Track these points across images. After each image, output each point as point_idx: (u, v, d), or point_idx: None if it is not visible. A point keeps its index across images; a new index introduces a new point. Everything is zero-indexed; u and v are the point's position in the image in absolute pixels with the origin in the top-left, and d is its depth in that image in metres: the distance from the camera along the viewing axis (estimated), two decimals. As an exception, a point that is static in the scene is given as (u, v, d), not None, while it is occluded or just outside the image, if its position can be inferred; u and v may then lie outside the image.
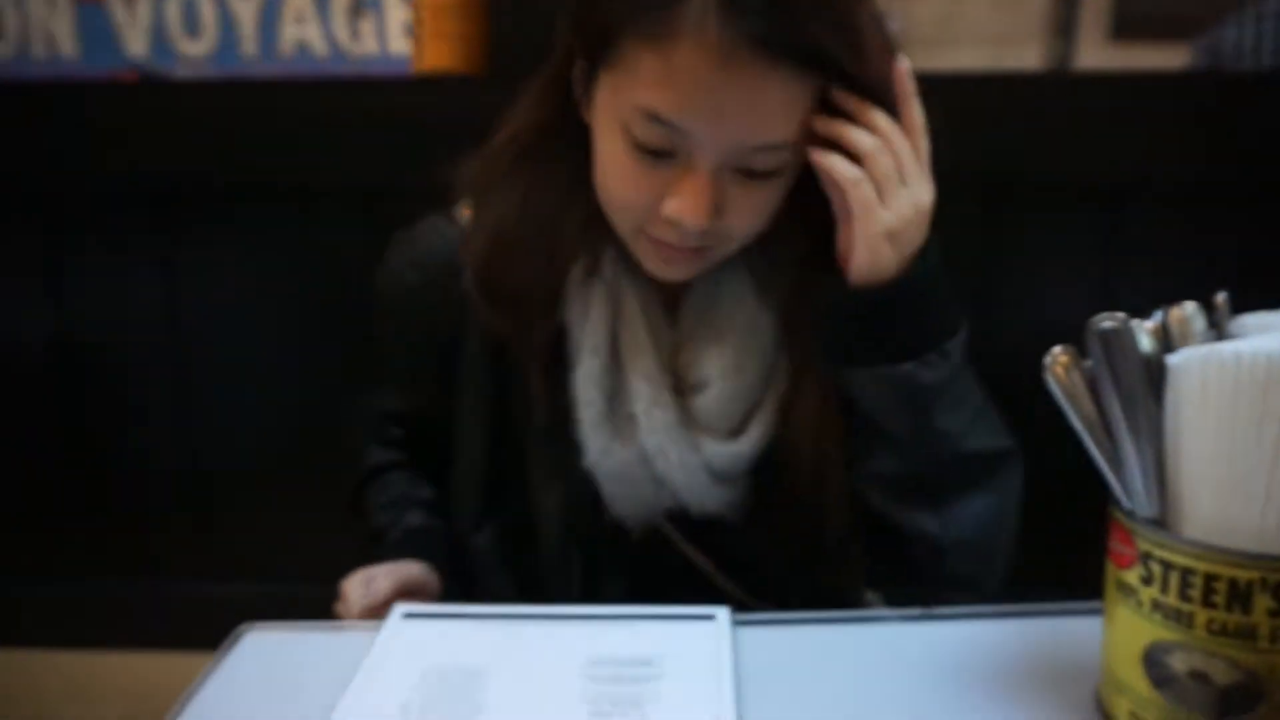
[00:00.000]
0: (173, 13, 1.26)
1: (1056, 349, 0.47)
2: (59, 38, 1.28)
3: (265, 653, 0.59)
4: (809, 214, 0.61)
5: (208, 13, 1.26)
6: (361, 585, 0.65)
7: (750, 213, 0.60)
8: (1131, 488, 0.45)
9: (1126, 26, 2.01)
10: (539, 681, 0.53)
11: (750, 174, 0.58)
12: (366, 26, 1.26)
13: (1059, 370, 0.46)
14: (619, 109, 0.58)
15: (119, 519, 1.38)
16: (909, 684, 0.52)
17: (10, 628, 1.37)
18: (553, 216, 0.65)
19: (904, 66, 0.59)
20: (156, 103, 1.26)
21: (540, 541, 0.70)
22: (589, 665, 0.54)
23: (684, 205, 0.58)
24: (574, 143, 0.63)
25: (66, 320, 1.31)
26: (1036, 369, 0.47)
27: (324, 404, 1.10)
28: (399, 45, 1.26)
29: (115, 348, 1.32)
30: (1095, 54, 2.01)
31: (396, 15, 1.26)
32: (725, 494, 0.68)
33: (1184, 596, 0.43)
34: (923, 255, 0.59)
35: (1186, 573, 0.43)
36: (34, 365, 1.32)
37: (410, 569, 0.68)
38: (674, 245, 0.61)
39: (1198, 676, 0.43)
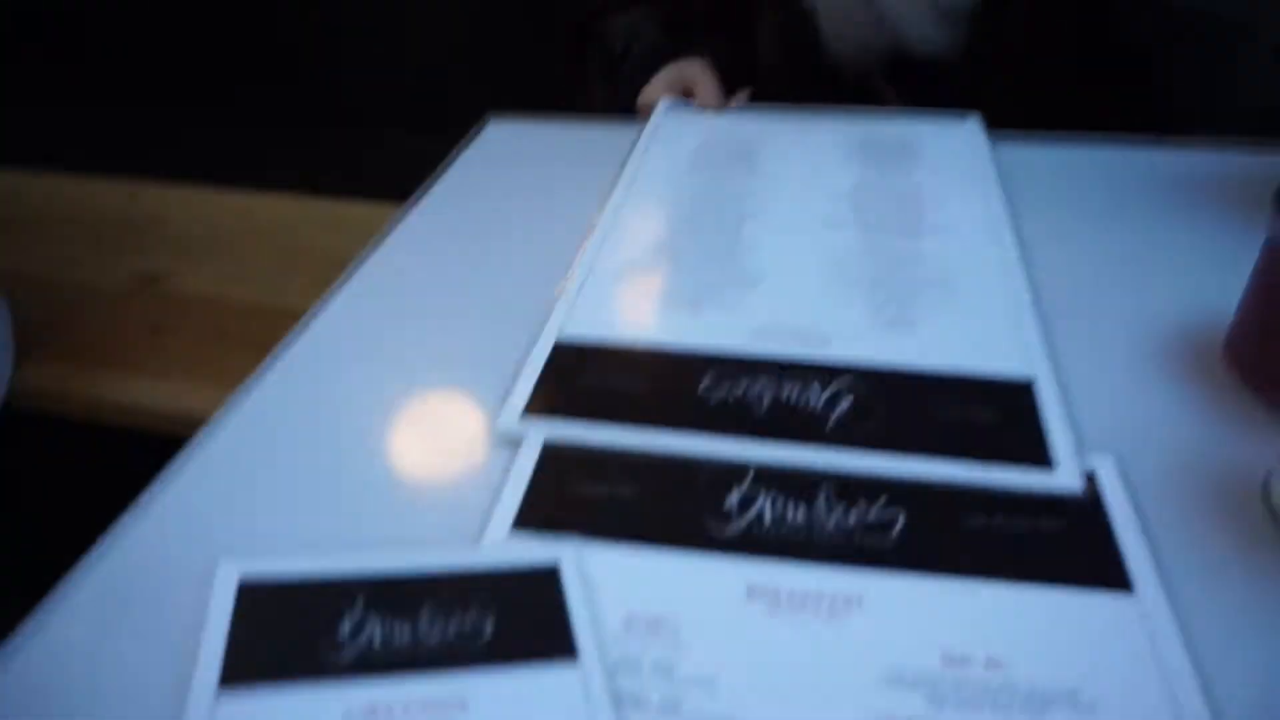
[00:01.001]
0: None
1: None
2: None
3: (509, 140, 0.65)
4: None
5: None
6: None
7: None
8: None
9: None
10: (811, 153, 0.58)
11: None
12: None
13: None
14: None
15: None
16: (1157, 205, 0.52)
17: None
18: None
19: None
20: None
21: (757, 84, 0.67)
22: (858, 147, 0.58)
23: None
24: None
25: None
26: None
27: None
28: None
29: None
30: None
31: None
32: (948, 33, 0.65)
33: None
34: None
35: None
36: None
37: (684, 66, 0.66)
38: None
39: None
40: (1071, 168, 0.56)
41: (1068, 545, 0.33)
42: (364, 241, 0.54)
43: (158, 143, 1.37)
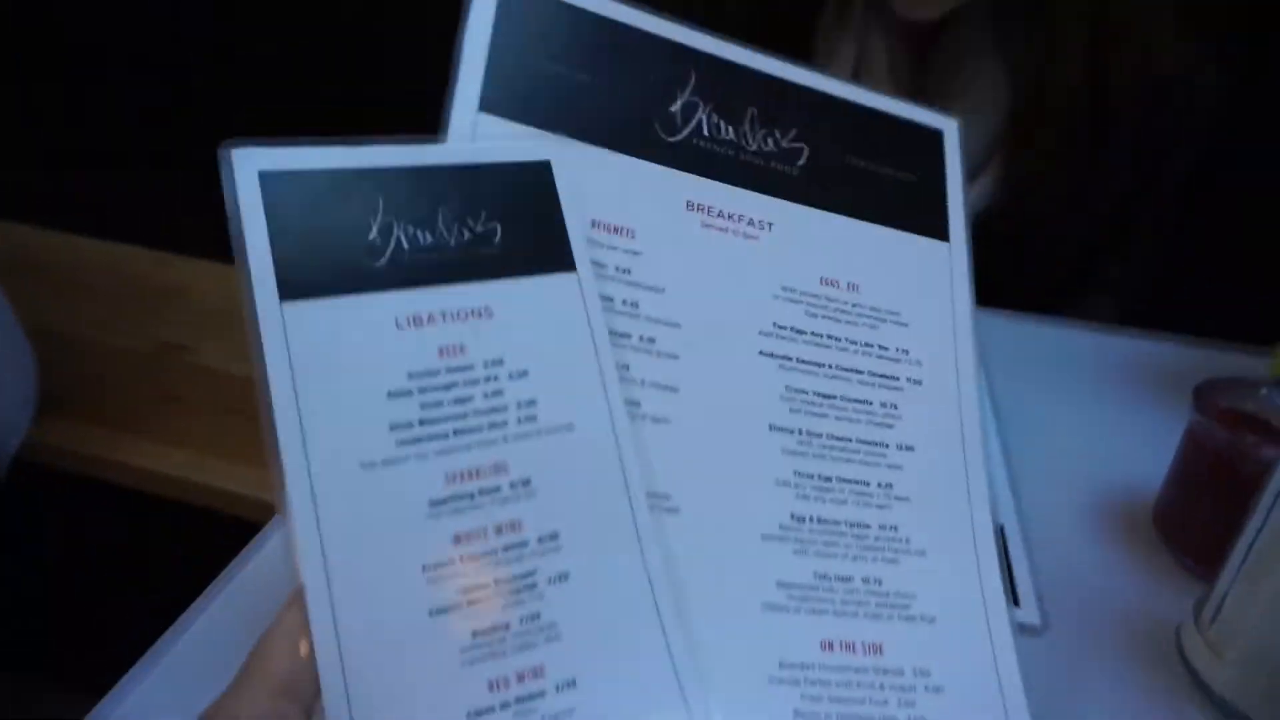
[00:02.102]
0: None
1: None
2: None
3: None
4: None
5: None
6: None
7: None
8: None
9: None
10: None
11: None
12: None
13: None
14: None
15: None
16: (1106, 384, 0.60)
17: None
18: None
19: None
20: None
21: None
22: None
23: None
24: None
25: None
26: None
27: None
28: None
29: None
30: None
31: None
32: None
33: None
34: None
35: None
36: None
37: None
38: None
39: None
40: (1036, 342, 0.66)
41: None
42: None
43: (189, 214, 1.44)
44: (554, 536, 0.32)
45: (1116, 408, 0.59)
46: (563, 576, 0.32)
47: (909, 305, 0.42)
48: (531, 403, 0.33)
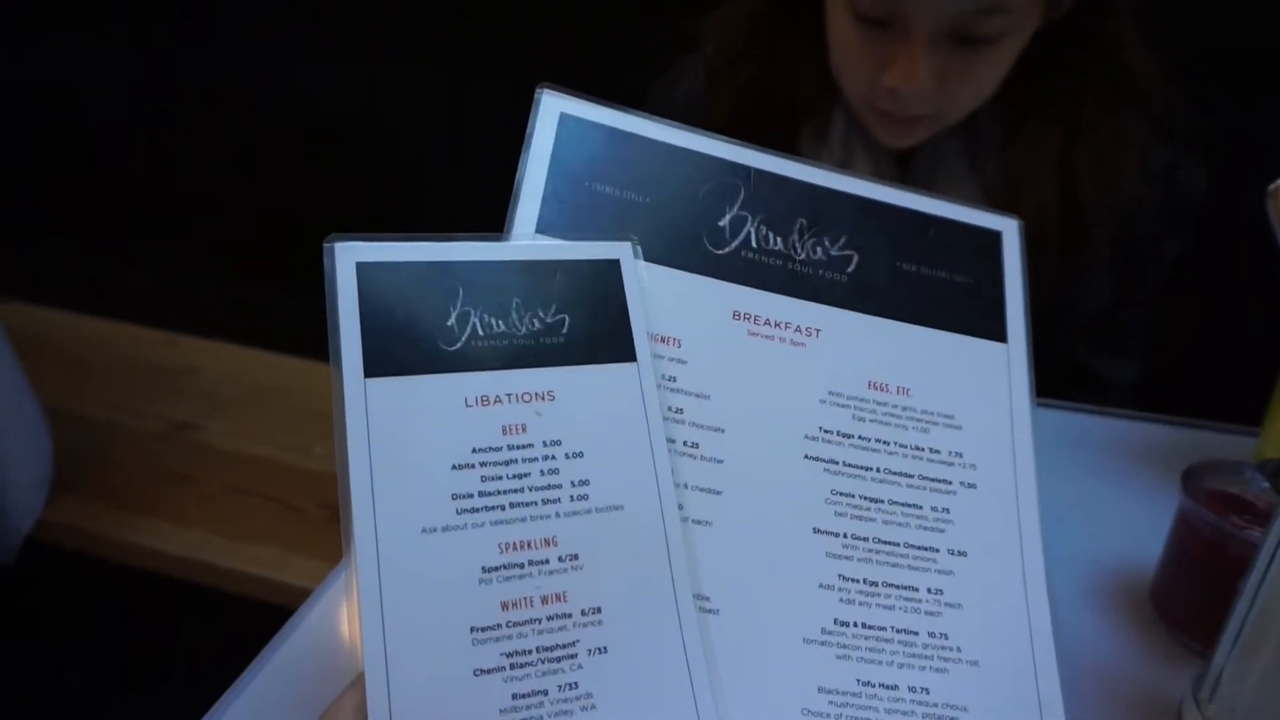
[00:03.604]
0: None
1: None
2: None
3: None
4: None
5: None
6: None
7: (972, 82, 0.62)
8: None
9: None
10: None
11: (970, 40, 0.59)
12: None
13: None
14: None
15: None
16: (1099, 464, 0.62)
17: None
18: (789, 85, 0.69)
19: None
20: None
21: None
22: None
23: (901, 74, 0.60)
24: (810, 13, 0.66)
25: None
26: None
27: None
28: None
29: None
30: None
31: None
32: None
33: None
34: None
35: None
36: None
37: None
38: (896, 116, 0.64)
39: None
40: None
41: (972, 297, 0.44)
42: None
43: (200, 303, 1.48)
44: (597, 610, 0.34)
45: (1111, 487, 0.61)
46: (602, 649, 0.33)
47: (963, 407, 0.41)
48: (585, 482, 0.35)
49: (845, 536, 0.38)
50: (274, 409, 1.28)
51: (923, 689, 0.35)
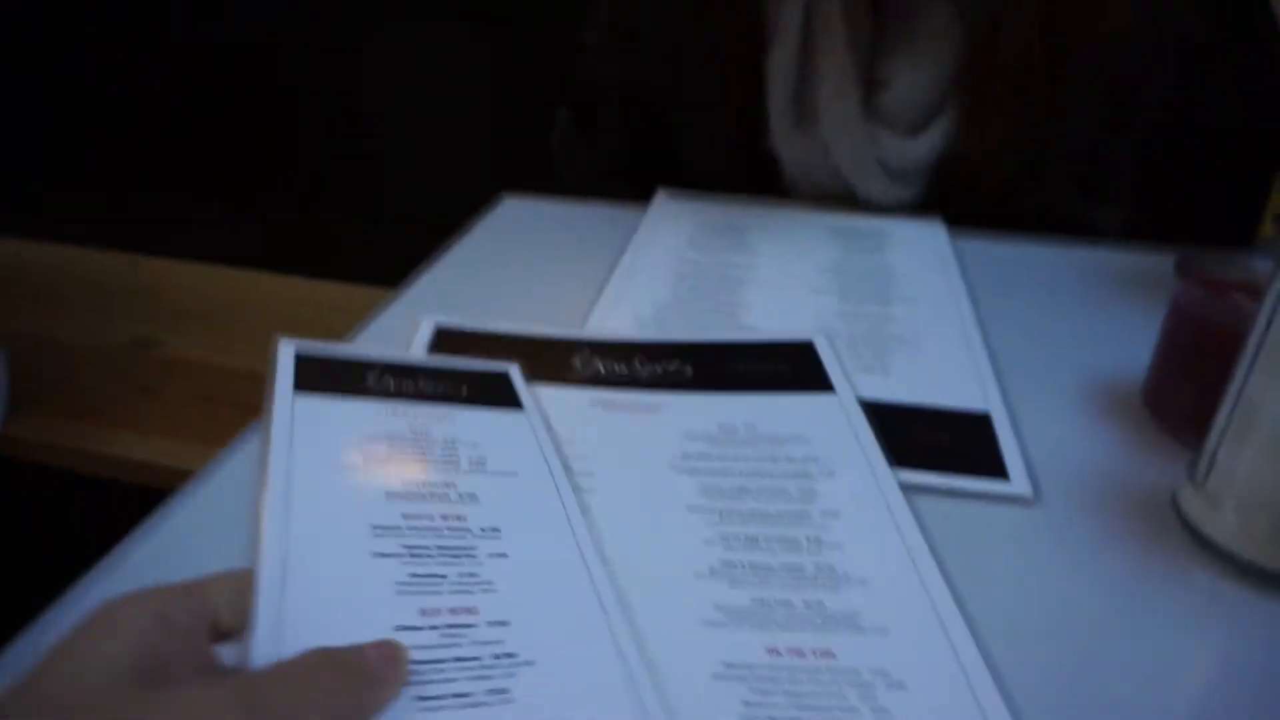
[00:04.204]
0: None
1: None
2: None
3: (522, 216, 0.73)
4: None
5: None
6: None
7: None
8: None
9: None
10: (796, 234, 0.68)
11: None
12: None
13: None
14: None
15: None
16: (1083, 291, 0.62)
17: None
18: None
19: None
20: None
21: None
22: (836, 231, 0.68)
23: None
24: None
25: None
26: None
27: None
28: None
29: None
30: None
31: None
32: (901, 191, 0.71)
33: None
34: None
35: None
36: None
37: None
38: None
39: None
40: (1015, 258, 0.66)
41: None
42: (358, 320, 0.57)
43: (163, 223, 1.43)
44: (496, 530, 0.37)
45: (1099, 311, 0.59)
46: (502, 555, 0.35)
47: (809, 429, 0.45)
48: (483, 459, 0.40)
49: (721, 513, 0.40)
50: (233, 321, 1.25)
51: (817, 602, 0.35)
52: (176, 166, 1.47)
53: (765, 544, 0.38)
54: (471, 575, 0.34)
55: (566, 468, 0.41)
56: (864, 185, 0.71)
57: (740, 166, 0.74)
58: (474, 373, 0.47)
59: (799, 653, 0.33)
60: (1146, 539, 0.40)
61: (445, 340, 0.52)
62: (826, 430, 0.45)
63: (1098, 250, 0.68)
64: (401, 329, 0.54)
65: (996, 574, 0.38)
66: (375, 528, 0.35)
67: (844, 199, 0.73)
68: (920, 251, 0.66)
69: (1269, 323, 0.37)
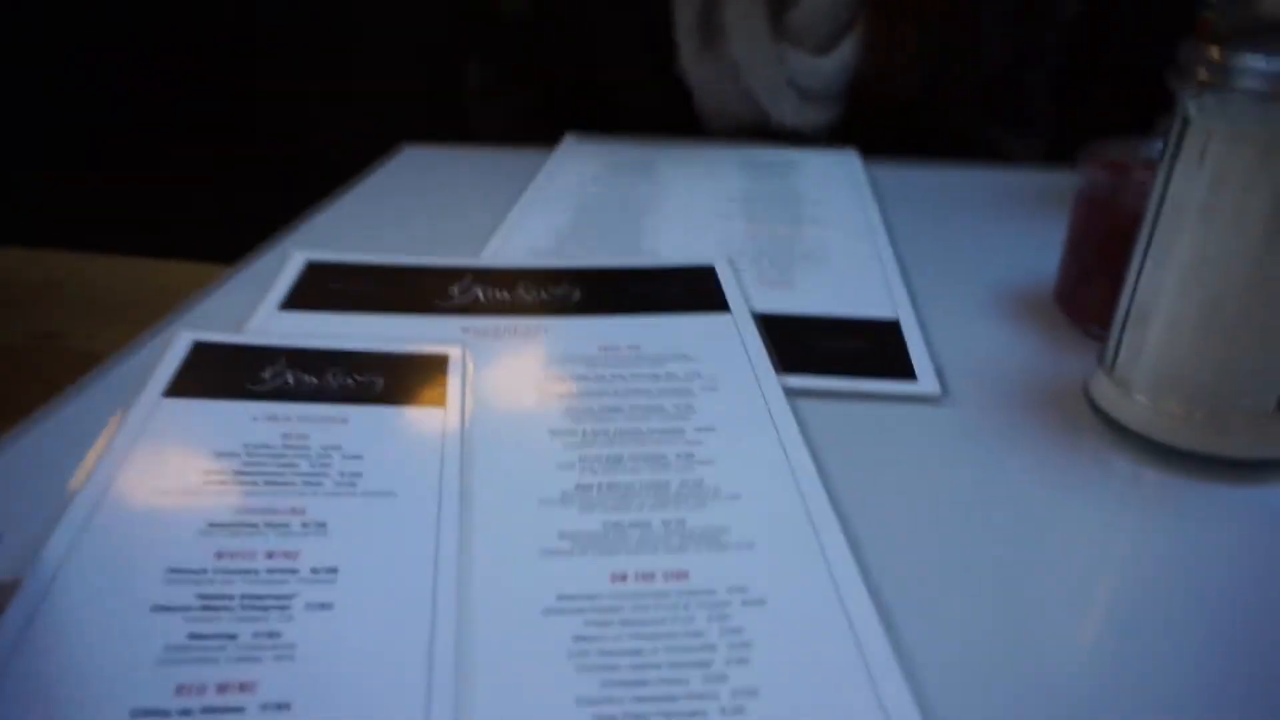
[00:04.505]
0: None
1: None
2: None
3: (422, 165, 0.69)
4: None
5: None
6: None
7: None
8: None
9: None
10: (704, 167, 0.65)
11: None
12: None
13: None
14: None
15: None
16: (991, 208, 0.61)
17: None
18: None
19: None
20: None
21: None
22: (746, 163, 0.66)
23: None
24: None
25: None
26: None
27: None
28: None
29: None
30: None
31: None
32: (814, 113, 0.69)
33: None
34: None
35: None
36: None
37: None
38: None
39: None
40: (930, 182, 0.65)
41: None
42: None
43: (54, 210, 1.37)
44: (332, 570, 0.31)
45: (1013, 226, 0.58)
46: (325, 605, 0.29)
47: (694, 348, 0.42)
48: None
49: (583, 433, 0.37)
50: (140, 312, 1.19)
51: (678, 521, 0.32)
52: (58, 146, 1.40)
53: (630, 463, 0.35)
54: (271, 636, 0.27)
55: (464, 491, 0.34)
56: (776, 108, 0.69)
57: (654, 99, 0.72)
58: (402, 360, 0.41)
59: (648, 577, 0.30)
60: (1060, 430, 0.38)
61: (315, 275, 0.49)
62: (715, 347, 0.43)
63: (1013, 172, 0.66)
64: (274, 269, 0.50)
65: (905, 477, 0.36)
66: (170, 571, 0.29)
67: (757, 129, 0.70)
68: (833, 177, 0.63)
69: (1162, 196, 0.35)
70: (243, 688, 0.25)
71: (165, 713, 0.24)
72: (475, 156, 0.71)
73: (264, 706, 0.25)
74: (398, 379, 0.40)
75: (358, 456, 0.35)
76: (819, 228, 0.56)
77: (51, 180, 1.41)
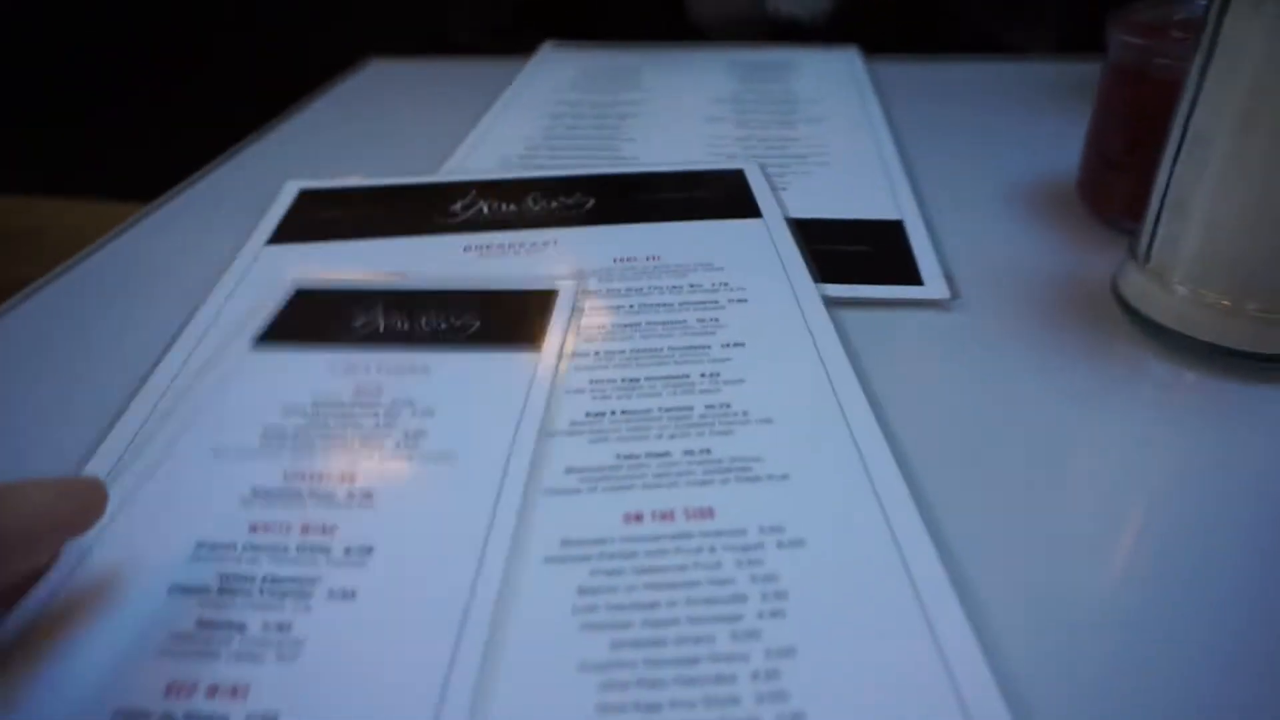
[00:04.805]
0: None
1: None
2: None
3: (389, 77, 0.65)
4: None
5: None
6: None
7: None
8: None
9: None
10: (692, 70, 0.61)
11: None
12: None
13: None
14: None
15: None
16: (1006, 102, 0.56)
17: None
18: None
19: None
20: None
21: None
22: (738, 65, 0.61)
23: None
24: None
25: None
26: None
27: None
28: None
29: None
30: None
31: None
32: (813, 3, 0.66)
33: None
34: None
35: None
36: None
37: None
38: None
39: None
40: (937, 78, 0.59)
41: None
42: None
43: (54, 156, 1.32)
44: (367, 549, 0.27)
45: (1029, 118, 0.53)
46: (348, 594, 0.26)
47: (720, 256, 0.38)
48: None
49: (595, 355, 0.33)
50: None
51: (703, 450, 0.28)
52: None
53: (647, 386, 0.31)
54: (280, 629, 0.24)
55: (540, 442, 0.29)
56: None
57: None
58: (503, 297, 0.37)
59: (667, 516, 0.26)
60: (1084, 332, 0.34)
61: (309, 202, 0.44)
62: (744, 255, 0.38)
63: (1025, 63, 0.61)
64: (245, 192, 0.46)
65: (921, 390, 0.32)
66: (199, 546, 0.26)
67: (751, 19, 0.65)
68: (830, 77, 0.58)
69: (1210, 50, 0.30)
70: (234, 692, 0.22)
71: (147, 714, 0.21)
72: (447, 68, 0.66)
73: (249, 717, 0.21)
74: (497, 320, 0.35)
75: (429, 413, 0.30)
76: (816, 127, 0.51)
77: (14, 127, 1.36)
